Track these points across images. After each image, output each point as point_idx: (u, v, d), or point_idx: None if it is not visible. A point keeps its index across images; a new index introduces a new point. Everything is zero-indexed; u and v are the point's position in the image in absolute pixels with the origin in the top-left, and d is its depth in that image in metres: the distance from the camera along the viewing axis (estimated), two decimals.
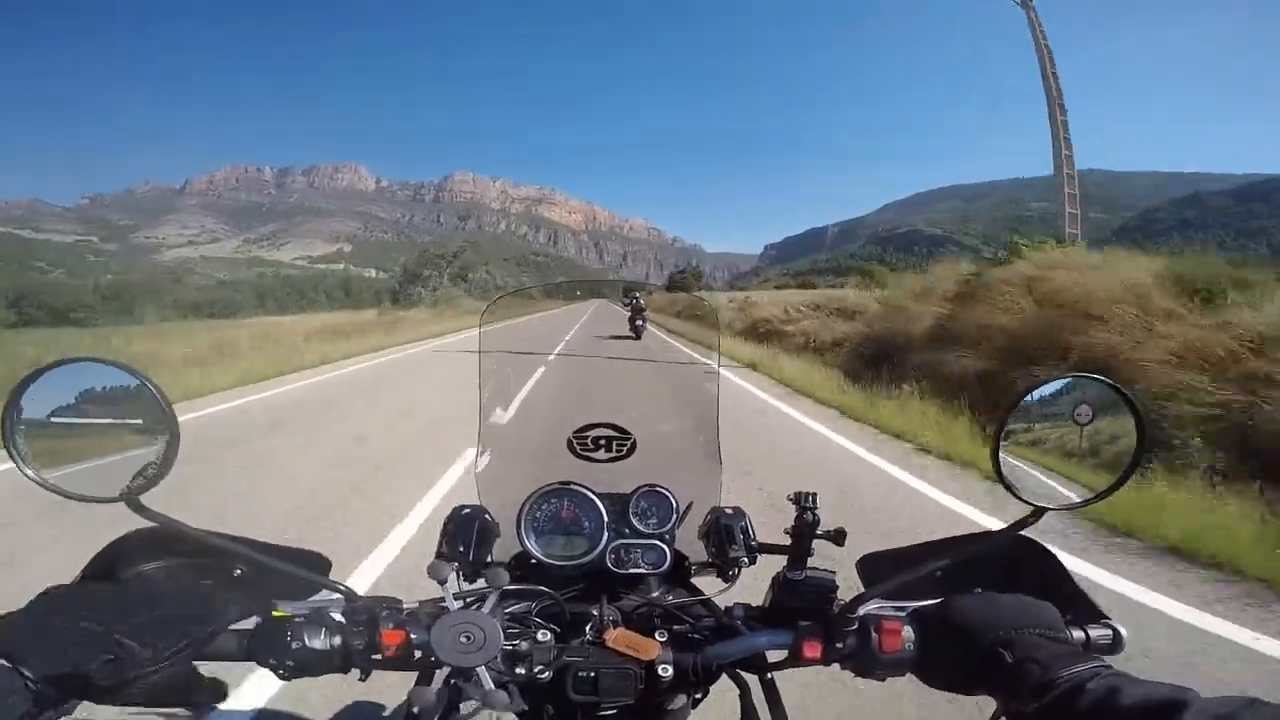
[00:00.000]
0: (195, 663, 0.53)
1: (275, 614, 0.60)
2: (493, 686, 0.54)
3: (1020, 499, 0.57)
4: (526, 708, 0.61)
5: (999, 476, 0.58)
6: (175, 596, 0.55)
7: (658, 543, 0.81)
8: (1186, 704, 0.40)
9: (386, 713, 1.87)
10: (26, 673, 0.43)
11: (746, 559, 0.79)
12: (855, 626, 0.62)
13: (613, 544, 0.80)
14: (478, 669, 0.54)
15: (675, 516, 0.84)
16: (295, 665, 0.57)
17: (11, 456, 0.47)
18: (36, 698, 0.43)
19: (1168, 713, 0.40)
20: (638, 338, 2.79)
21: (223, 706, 0.55)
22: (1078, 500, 0.59)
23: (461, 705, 0.63)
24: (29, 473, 0.48)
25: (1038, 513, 0.56)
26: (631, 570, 0.79)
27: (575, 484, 0.83)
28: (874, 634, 0.60)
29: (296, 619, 0.58)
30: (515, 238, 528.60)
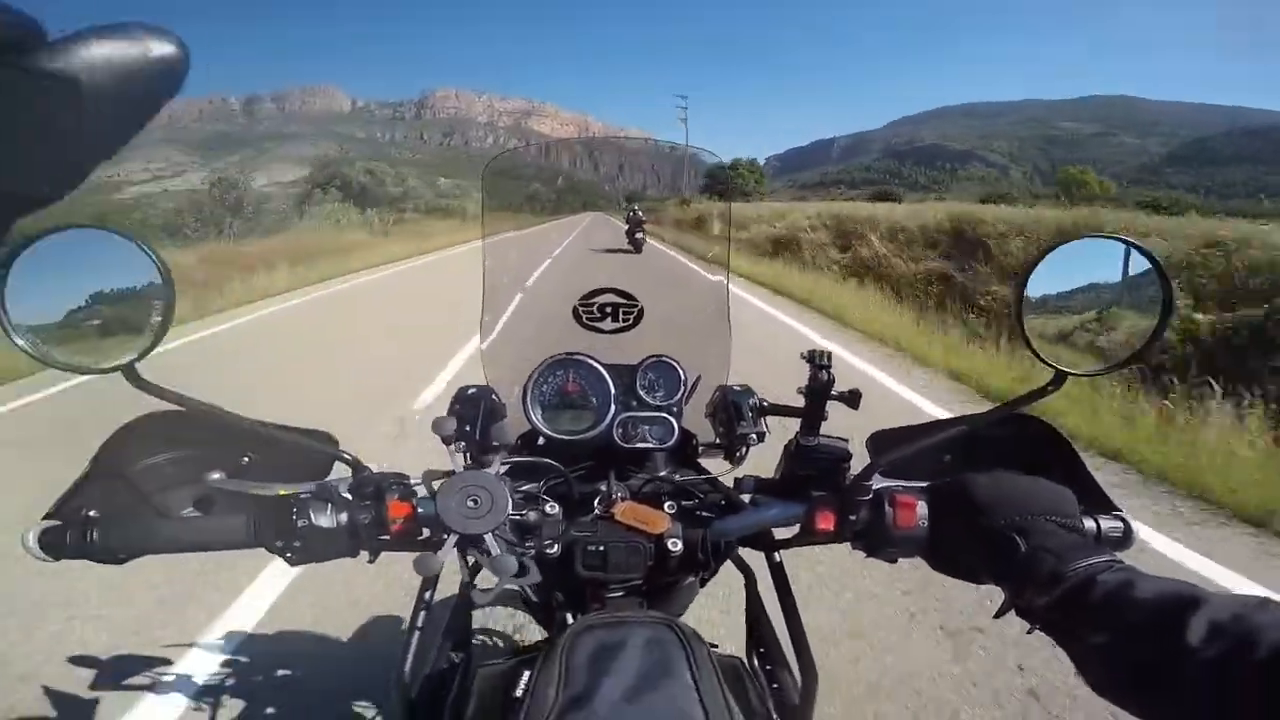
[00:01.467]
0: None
1: (280, 492, 0.60)
2: (500, 553, 0.54)
3: (1044, 362, 0.55)
4: (539, 579, 0.64)
5: (1023, 339, 0.56)
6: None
7: (666, 415, 0.80)
8: (1199, 600, 0.40)
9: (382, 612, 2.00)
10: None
11: (755, 437, 0.78)
12: (870, 499, 0.61)
13: (620, 417, 0.80)
14: (486, 535, 0.54)
15: (683, 389, 0.83)
16: (302, 547, 0.57)
17: (2, 327, 0.47)
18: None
19: (1180, 608, 0.40)
20: (637, 251, 2.68)
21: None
22: (1103, 366, 0.57)
23: (478, 579, 0.62)
24: (20, 343, 0.47)
25: (1058, 379, 0.54)
26: (639, 445, 0.79)
27: (581, 354, 0.83)
28: (889, 508, 0.59)
29: (302, 495, 0.59)
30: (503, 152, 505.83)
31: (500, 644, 1.60)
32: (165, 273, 0.50)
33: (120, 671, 1.79)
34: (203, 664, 1.82)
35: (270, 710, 1.69)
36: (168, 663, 1.78)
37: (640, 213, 2.29)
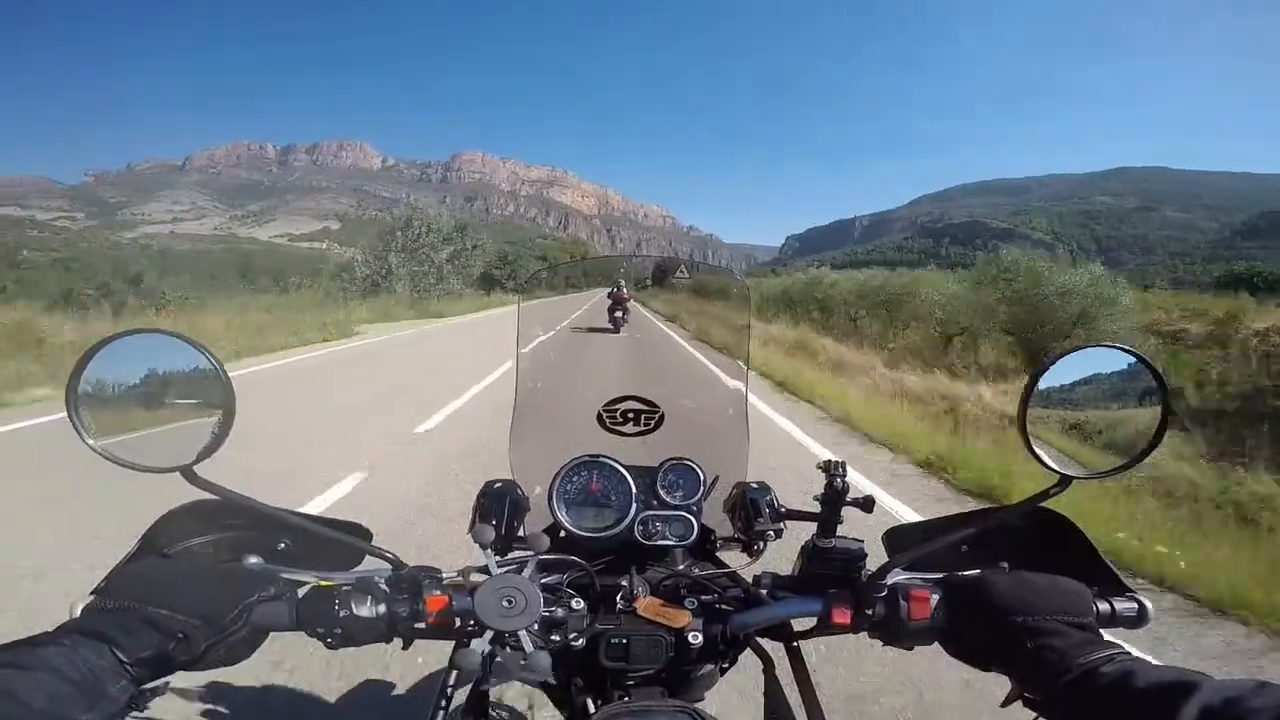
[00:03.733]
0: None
1: (322, 583, 0.65)
2: (533, 649, 0.58)
3: (1047, 467, 0.60)
4: (561, 677, 0.67)
5: (1025, 445, 0.61)
6: (224, 571, 0.63)
7: (685, 514, 0.86)
8: (1196, 686, 0.43)
9: (402, 690, 2.01)
10: (123, 657, 0.49)
11: (772, 533, 0.84)
12: (884, 594, 0.66)
13: (641, 515, 0.86)
14: (520, 632, 0.59)
15: (702, 489, 0.90)
16: (342, 634, 0.62)
17: (74, 426, 0.52)
18: (135, 679, 0.49)
19: (1178, 695, 0.42)
20: (616, 330, 2.77)
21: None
22: (1104, 469, 0.62)
23: (493, 674, 0.66)
24: (90, 442, 0.53)
25: (1064, 481, 0.60)
26: (659, 542, 0.85)
27: (605, 457, 0.90)
28: (903, 601, 0.64)
29: (344, 587, 0.63)
30: (525, 220, 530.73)
31: None
32: (225, 379, 0.57)
33: None
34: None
35: None
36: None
37: (624, 289, 2.35)
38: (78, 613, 0.54)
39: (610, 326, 2.68)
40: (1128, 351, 0.62)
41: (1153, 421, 0.60)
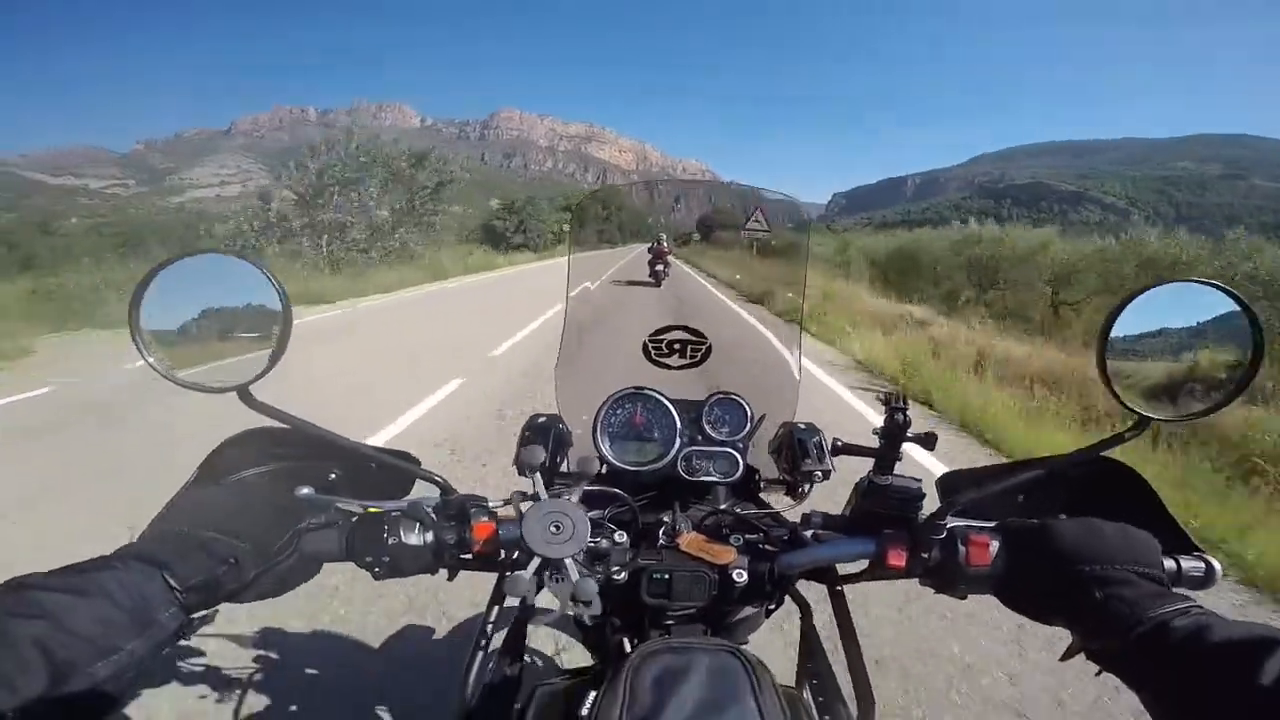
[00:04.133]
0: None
1: (371, 509, 0.65)
2: (579, 577, 0.58)
3: (1126, 407, 0.57)
4: (601, 608, 0.68)
5: (1104, 382, 0.58)
6: (275, 498, 0.64)
7: (730, 451, 0.85)
8: (1274, 642, 0.40)
9: (441, 633, 2.13)
10: (173, 583, 0.49)
11: (820, 474, 0.83)
12: (943, 537, 0.63)
13: (685, 450, 0.85)
14: (566, 560, 0.59)
15: (749, 425, 0.89)
16: (390, 562, 0.62)
17: (135, 345, 0.53)
18: (184, 606, 0.50)
19: (1255, 651, 0.40)
20: (657, 284, 2.76)
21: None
22: (1187, 412, 0.59)
23: (538, 606, 0.67)
24: (151, 360, 0.54)
25: (1142, 423, 0.56)
26: (702, 478, 0.84)
27: (649, 389, 0.89)
28: (961, 546, 0.62)
29: (393, 513, 0.63)
30: (563, 175, 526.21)
31: (540, 663, 1.66)
32: (284, 298, 0.56)
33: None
34: (234, 658, 1.91)
35: (294, 708, 1.77)
36: (200, 653, 1.88)
37: (665, 243, 2.33)
38: (136, 539, 0.55)
39: (651, 280, 2.66)
40: (1219, 288, 0.57)
41: (1241, 361, 0.56)
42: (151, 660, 0.47)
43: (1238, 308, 0.56)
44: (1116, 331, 0.58)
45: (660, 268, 2.80)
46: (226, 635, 1.90)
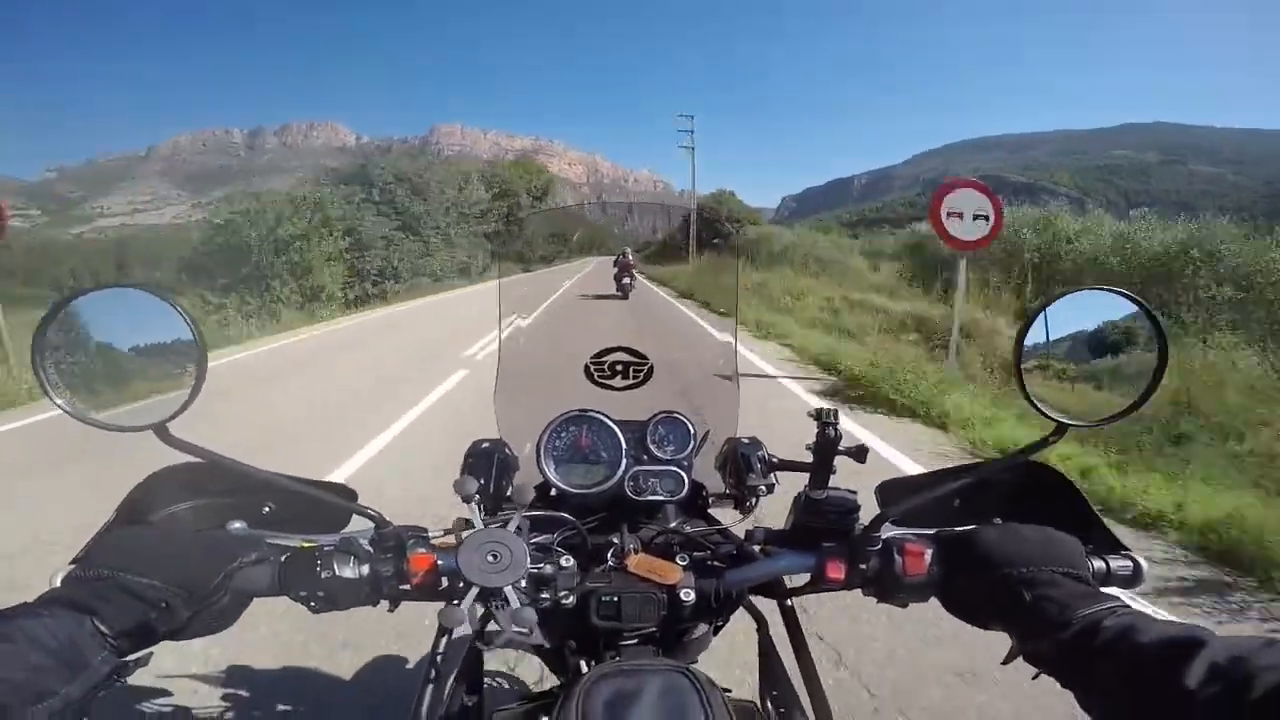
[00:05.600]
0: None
1: (303, 544, 0.64)
2: (519, 605, 0.59)
3: (1044, 415, 0.60)
4: (548, 641, 0.68)
5: (1021, 392, 0.61)
6: (205, 537, 0.62)
7: (676, 469, 0.87)
8: (1202, 642, 0.42)
9: (394, 656, 2.06)
10: (103, 628, 0.48)
11: (764, 488, 0.85)
12: (879, 547, 0.66)
13: (631, 470, 0.86)
14: (505, 589, 0.59)
15: (693, 443, 0.90)
16: (325, 596, 0.62)
17: (40, 383, 0.51)
18: (117, 650, 0.49)
19: (1182, 651, 0.42)
20: (625, 297, 2.80)
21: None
22: (1101, 417, 0.61)
23: (486, 634, 0.67)
24: (58, 401, 0.52)
25: (1060, 430, 0.60)
26: (650, 498, 0.85)
27: (593, 411, 0.90)
28: (898, 556, 0.64)
29: (325, 548, 0.63)
30: None
31: (509, 686, 1.64)
32: (198, 333, 0.54)
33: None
34: (207, 697, 1.83)
35: None
36: (166, 694, 1.79)
37: (629, 256, 2.38)
38: (58, 583, 0.54)
39: (619, 294, 2.67)
40: (1123, 295, 0.61)
41: (1149, 367, 0.60)
42: (87, 703, 0.46)
43: (1140, 311, 0.60)
44: (1033, 339, 0.63)
45: (626, 280, 2.83)
46: (172, 674, 1.85)
